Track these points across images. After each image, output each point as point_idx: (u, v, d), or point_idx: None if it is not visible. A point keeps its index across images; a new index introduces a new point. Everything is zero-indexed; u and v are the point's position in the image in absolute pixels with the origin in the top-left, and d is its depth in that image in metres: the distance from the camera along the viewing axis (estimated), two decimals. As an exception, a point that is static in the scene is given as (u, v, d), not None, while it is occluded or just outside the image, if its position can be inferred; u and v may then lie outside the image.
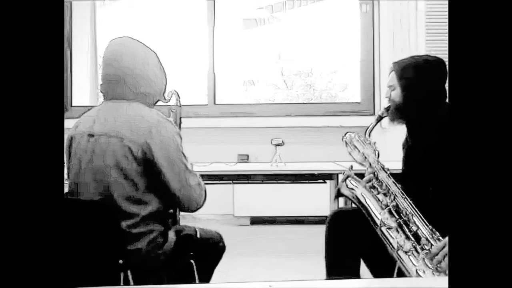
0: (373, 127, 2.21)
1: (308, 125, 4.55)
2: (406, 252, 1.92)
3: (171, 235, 2.02)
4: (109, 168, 1.89)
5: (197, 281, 2.09)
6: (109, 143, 1.90)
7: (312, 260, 2.65)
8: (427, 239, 1.92)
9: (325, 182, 3.58)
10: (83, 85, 4.96)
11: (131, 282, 1.88)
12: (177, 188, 1.93)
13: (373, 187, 2.09)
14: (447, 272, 1.82)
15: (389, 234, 1.98)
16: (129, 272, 1.89)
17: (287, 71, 6.67)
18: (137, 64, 1.96)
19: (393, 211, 2.01)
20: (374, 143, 2.17)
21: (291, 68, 6.64)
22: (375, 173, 2.09)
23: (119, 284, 1.84)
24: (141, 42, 2.03)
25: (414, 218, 1.96)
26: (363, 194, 2.09)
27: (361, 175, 2.15)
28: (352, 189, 2.12)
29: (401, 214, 1.99)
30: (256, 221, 4.85)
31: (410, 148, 2.24)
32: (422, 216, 1.96)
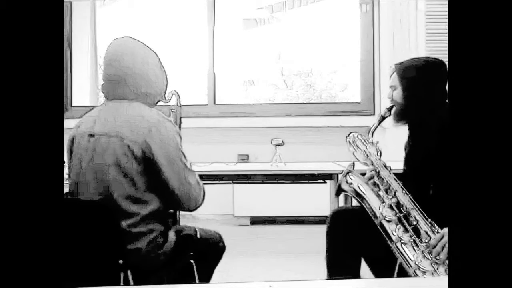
0: (376, 128, 2.23)
1: (308, 125, 4.55)
2: (405, 244, 1.95)
3: (171, 235, 2.02)
4: (109, 167, 1.90)
5: (197, 281, 2.09)
6: (109, 142, 1.91)
7: (312, 260, 2.65)
8: (426, 232, 1.94)
9: (325, 182, 3.58)
10: (83, 85, 4.96)
11: (131, 282, 1.88)
12: (176, 186, 1.93)
13: (375, 184, 2.11)
14: (446, 263, 1.84)
15: (389, 227, 2.00)
16: (129, 272, 1.89)
17: (287, 71, 6.67)
18: (137, 64, 1.97)
19: (393, 206, 2.03)
20: (377, 142, 2.20)
21: (291, 68, 6.64)
22: (377, 170, 2.11)
23: (119, 284, 1.85)
24: (142, 42, 2.03)
25: (414, 212, 1.99)
26: (363, 188, 2.11)
27: (363, 174, 2.17)
28: (352, 184, 2.15)
29: (401, 209, 2.01)
30: (256, 221, 4.85)
31: (411, 148, 2.26)
32: (422, 211, 1.98)
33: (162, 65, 2.06)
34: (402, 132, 2.31)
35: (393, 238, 1.97)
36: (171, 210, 2.08)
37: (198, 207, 2.03)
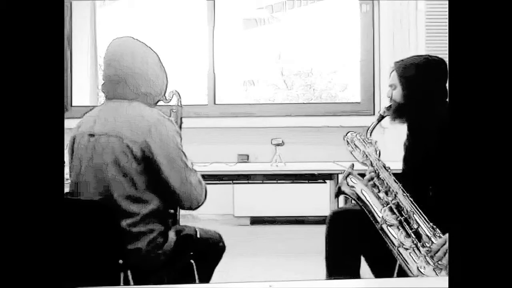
0: (375, 127, 2.21)
1: (308, 125, 4.55)
2: (407, 249, 1.93)
3: (171, 235, 2.02)
4: (108, 166, 1.90)
5: (197, 281, 2.09)
6: (108, 142, 1.91)
7: (312, 260, 2.65)
8: (428, 236, 1.93)
9: (325, 182, 3.58)
10: (83, 85, 4.96)
11: (131, 282, 1.88)
12: (177, 186, 1.93)
13: (374, 185, 2.10)
14: (448, 269, 1.83)
15: (390, 231, 1.98)
16: (129, 272, 1.89)
17: (287, 71, 6.67)
18: (137, 64, 1.97)
19: (394, 209, 2.01)
20: (375, 142, 2.18)
21: (291, 68, 6.64)
22: (376, 172, 2.10)
23: (119, 284, 1.84)
24: (142, 42, 2.03)
25: (415, 215, 1.97)
26: (363, 191, 2.10)
27: (362, 175, 2.16)
28: (353, 187, 2.13)
29: (402, 212, 2.00)
30: (256, 221, 4.85)
31: (410, 147, 2.24)
32: (423, 214, 1.97)
33: (162, 65, 2.06)
34: (401, 132, 2.30)
35: (395, 242, 1.96)
36: (171, 210, 2.08)
37: (200, 206, 2.03)
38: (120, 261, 1.85)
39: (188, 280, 2.09)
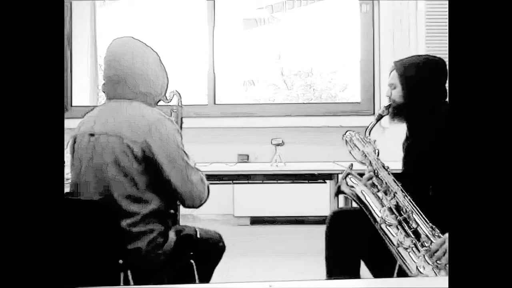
0: (373, 126, 2.21)
1: (308, 125, 4.55)
2: (406, 249, 1.93)
3: (171, 235, 2.02)
4: (108, 166, 1.90)
5: (197, 281, 2.09)
6: (109, 142, 1.91)
7: (312, 260, 2.65)
8: (427, 236, 1.93)
9: (325, 182, 3.58)
10: (83, 85, 4.96)
11: (131, 282, 1.88)
12: (178, 185, 1.93)
13: (373, 185, 2.10)
14: (447, 268, 1.83)
15: (389, 231, 1.99)
16: (129, 272, 1.89)
17: (287, 71, 6.67)
18: (138, 64, 1.97)
19: (393, 209, 2.01)
20: (374, 141, 2.17)
21: (291, 68, 6.64)
22: (375, 171, 2.10)
23: (119, 284, 1.84)
24: (142, 42, 2.03)
25: (414, 215, 1.97)
26: (363, 191, 2.10)
27: (361, 174, 2.16)
28: (352, 186, 2.13)
29: (401, 212, 2.00)
30: (256, 221, 4.85)
31: (410, 147, 2.24)
32: (422, 214, 1.97)
33: (162, 64, 2.06)
34: (401, 132, 2.30)
35: (394, 242, 1.96)
36: (172, 210, 2.08)
37: (202, 204, 2.03)
38: (120, 261, 1.85)
39: (188, 280, 2.09)
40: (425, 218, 1.96)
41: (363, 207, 2.08)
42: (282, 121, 4.55)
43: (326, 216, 2.34)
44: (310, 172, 3.36)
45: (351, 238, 2.22)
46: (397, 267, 2.04)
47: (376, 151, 2.14)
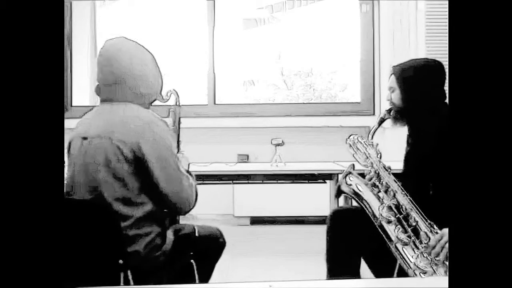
0: (376, 129, 2.25)
1: (308, 125, 4.55)
2: (404, 245, 1.95)
3: (170, 235, 2.01)
4: (99, 168, 1.88)
5: (197, 281, 2.09)
6: (100, 144, 1.89)
7: (312, 260, 2.65)
8: (426, 233, 1.94)
9: (325, 182, 3.58)
10: (83, 85, 4.96)
11: (131, 282, 1.88)
12: (167, 188, 1.90)
13: (374, 185, 2.12)
14: (446, 263, 1.84)
15: (388, 228, 2.00)
16: (129, 272, 1.88)
17: (287, 71, 6.67)
18: (136, 65, 1.95)
19: (392, 207, 2.03)
20: (377, 144, 2.21)
21: (291, 68, 6.64)
22: (376, 172, 2.12)
23: (119, 284, 1.84)
24: (136, 42, 2.01)
25: (413, 213, 1.99)
26: (362, 189, 2.12)
27: (362, 174, 2.18)
28: (352, 185, 2.15)
29: (401, 210, 2.02)
30: (256, 221, 4.85)
31: (410, 148, 2.26)
32: (421, 212, 1.99)
33: (156, 64, 2.03)
34: (402, 133, 2.31)
35: (393, 239, 1.98)
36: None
37: (190, 210, 2.00)
38: (120, 262, 1.84)
39: (188, 280, 2.09)
40: (424, 216, 1.98)
41: (363, 205, 2.10)
42: (282, 121, 4.55)
43: (326, 216, 2.35)
44: (310, 172, 3.36)
45: (351, 238, 2.22)
46: (397, 267, 2.05)
47: (379, 154, 2.18)
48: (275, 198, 4.69)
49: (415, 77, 2.16)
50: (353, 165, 2.23)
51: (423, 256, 1.91)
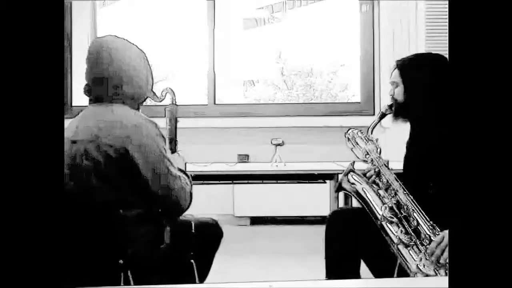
0: (376, 124, 2.20)
1: (308, 125, 4.55)
2: (406, 247, 1.93)
3: (167, 233, 2.00)
4: (89, 172, 1.86)
5: (197, 280, 2.09)
6: (89, 147, 1.86)
7: (312, 260, 2.65)
8: (427, 234, 1.92)
9: (325, 182, 3.59)
10: (83, 85, 4.95)
11: (131, 282, 1.88)
12: (158, 191, 1.88)
13: (375, 182, 2.10)
14: (447, 266, 1.83)
15: (390, 228, 1.98)
16: (129, 272, 1.88)
17: (287, 71, 6.67)
18: (121, 64, 1.92)
19: (394, 207, 2.01)
20: (377, 140, 2.17)
21: (291, 68, 6.64)
22: (377, 169, 2.10)
23: (119, 284, 1.84)
24: (125, 40, 1.98)
25: (414, 213, 1.97)
26: (364, 189, 2.09)
27: (364, 174, 2.16)
28: (353, 183, 2.12)
29: (402, 210, 1.99)
30: (256, 221, 4.85)
31: (412, 146, 2.23)
32: (423, 212, 1.97)
33: (146, 62, 2.00)
34: (403, 131, 2.29)
35: (394, 240, 1.95)
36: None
37: (183, 213, 1.98)
38: (121, 261, 1.84)
39: (188, 280, 2.09)
40: (426, 217, 1.96)
41: (364, 205, 2.08)
42: (282, 121, 4.55)
43: (326, 216, 2.35)
44: (310, 172, 3.36)
45: (351, 238, 2.21)
46: (397, 267, 2.04)
47: (378, 149, 2.14)
48: (275, 198, 4.69)
49: (419, 72, 2.10)
50: (354, 162, 2.19)
51: (425, 258, 1.89)
